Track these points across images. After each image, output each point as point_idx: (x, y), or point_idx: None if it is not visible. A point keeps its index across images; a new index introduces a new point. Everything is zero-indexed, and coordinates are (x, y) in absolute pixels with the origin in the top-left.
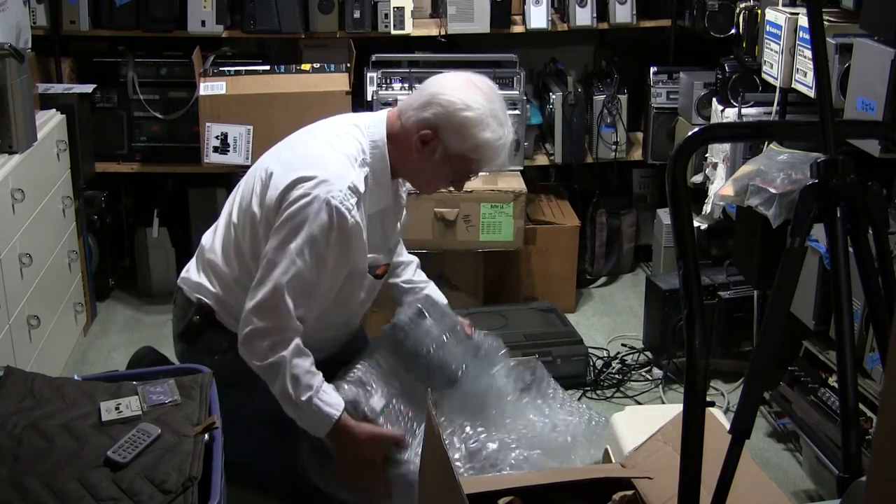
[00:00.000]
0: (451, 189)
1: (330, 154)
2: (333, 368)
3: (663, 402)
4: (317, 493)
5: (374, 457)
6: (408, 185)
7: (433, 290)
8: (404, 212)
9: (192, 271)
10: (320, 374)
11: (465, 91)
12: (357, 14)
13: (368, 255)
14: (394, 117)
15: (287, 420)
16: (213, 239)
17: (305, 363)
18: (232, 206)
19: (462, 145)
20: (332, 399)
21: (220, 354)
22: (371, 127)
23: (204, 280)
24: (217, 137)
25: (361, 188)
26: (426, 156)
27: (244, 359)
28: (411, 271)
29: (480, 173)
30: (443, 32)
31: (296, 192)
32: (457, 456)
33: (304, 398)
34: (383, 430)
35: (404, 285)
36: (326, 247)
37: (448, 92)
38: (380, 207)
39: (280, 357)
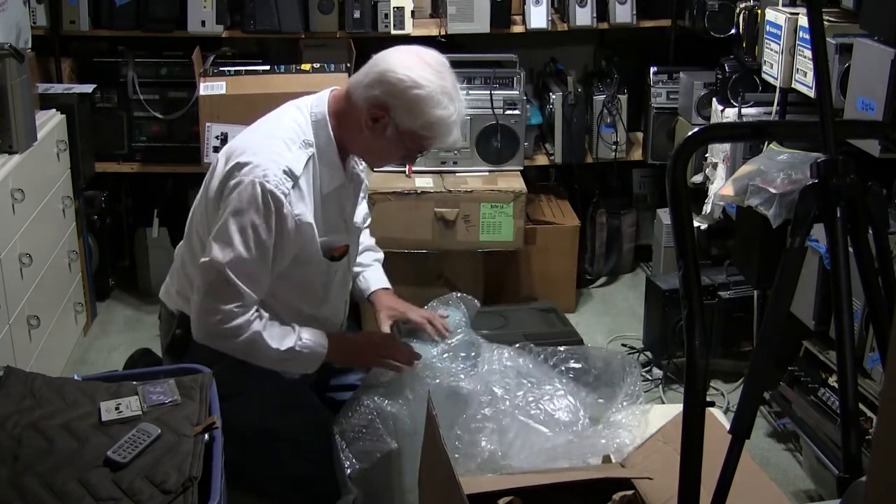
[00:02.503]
0: (403, 162)
1: (265, 139)
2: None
3: (663, 402)
4: (314, 502)
5: (376, 340)
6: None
7: (373, 273)
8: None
9: (169, 283)
10: (291, 325)
11: (415, 68)
12: (357, 14)
13: (322, 238)
14: (340, 95)
15: (284, 429)
16: (182, 247)
17: (274, 322)
18: (192, 211)
19: (413, 123)
20: (313, 335)
21: (210, 367)
22: (313, 107)
23: (181, 290)
24: (217, 137)
25: (298, 171)
26: (377, 133)
27: (214, 346)
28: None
29: (480, 175)
30: (443, 32)
31: (232, 181)
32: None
33: (291, 346)
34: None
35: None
36: (267, 231)
37: (398, 69)
38: (334, 186)
39: (253, 332)
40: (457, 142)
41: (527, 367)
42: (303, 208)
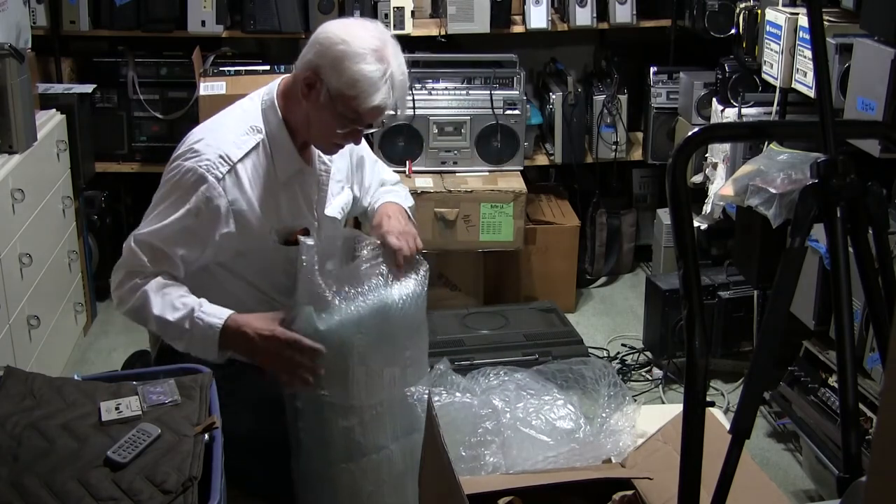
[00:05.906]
0: (349, 142)
1: (210, 129)
2: None
3: (663, 402)
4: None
5: (280, 349)
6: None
7: (383, 196)
8: (366, 172)
9: None
10: (196, 299)
11: (346, 27)
12: (357, 14)
13: (282, 225)
14: (289, 76)
15: (282, 431)
16: None
17: (178, 290)
18: None
19: (339, 81)
20: (213, 310)
21: None
22: (264, 94)
23: None
24: None
25: (235, 157)
26: (313, 102)
27: (129, 318)
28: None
29: (480, 175)
30: (443, 32)
31: (170, 166)
32: None
33: (181, 316)
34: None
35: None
36: (188, 211)
37: (329, 29)
38: (291, 172)
39: (142, 292)
40: (387, 106)
41: (525, 379)
42: (238, 194)
